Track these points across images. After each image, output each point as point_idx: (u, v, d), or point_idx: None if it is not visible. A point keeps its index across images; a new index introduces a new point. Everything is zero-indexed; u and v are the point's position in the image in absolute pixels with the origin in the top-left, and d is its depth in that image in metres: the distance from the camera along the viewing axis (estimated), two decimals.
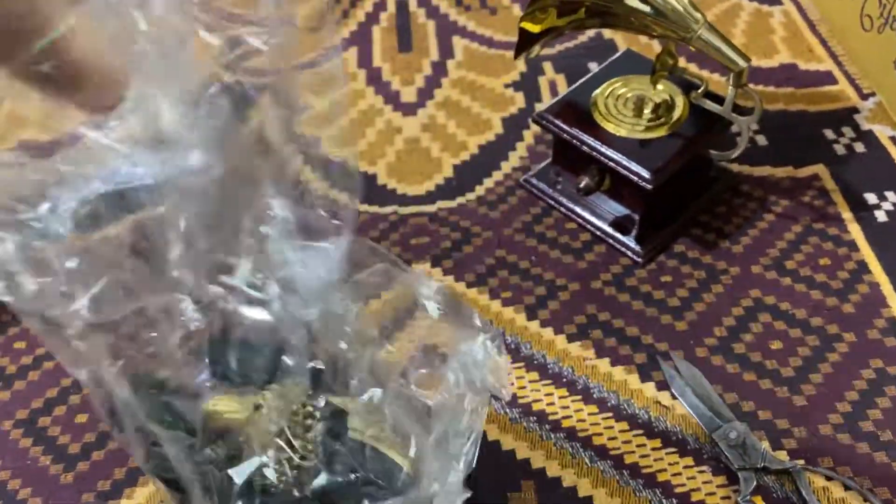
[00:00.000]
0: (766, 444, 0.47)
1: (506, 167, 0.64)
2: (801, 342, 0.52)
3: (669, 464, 0.46)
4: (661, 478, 0.46)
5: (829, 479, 0.45)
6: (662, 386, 0.50)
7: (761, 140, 0.64)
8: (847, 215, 0.58)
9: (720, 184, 0.60)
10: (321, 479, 0.33)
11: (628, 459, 0.47)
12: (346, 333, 0.31)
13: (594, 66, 0.62)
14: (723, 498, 0.45)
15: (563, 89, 0.67)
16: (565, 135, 0.56)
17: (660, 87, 0.57)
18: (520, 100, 0.69)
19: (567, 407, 0.49)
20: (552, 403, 0.50)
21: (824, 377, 0.50)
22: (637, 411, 0.49)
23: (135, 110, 0.25)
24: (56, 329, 0.25)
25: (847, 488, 0.45)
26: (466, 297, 0.55)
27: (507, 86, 0.71)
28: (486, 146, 0.66)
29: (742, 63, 0.51)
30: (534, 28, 0.54)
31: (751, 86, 0.66)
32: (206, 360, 0.29)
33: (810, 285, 0.55)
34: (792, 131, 0.65)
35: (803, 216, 0.59)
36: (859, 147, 0.63)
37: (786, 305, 0.54)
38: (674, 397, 0.49)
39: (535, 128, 0.66)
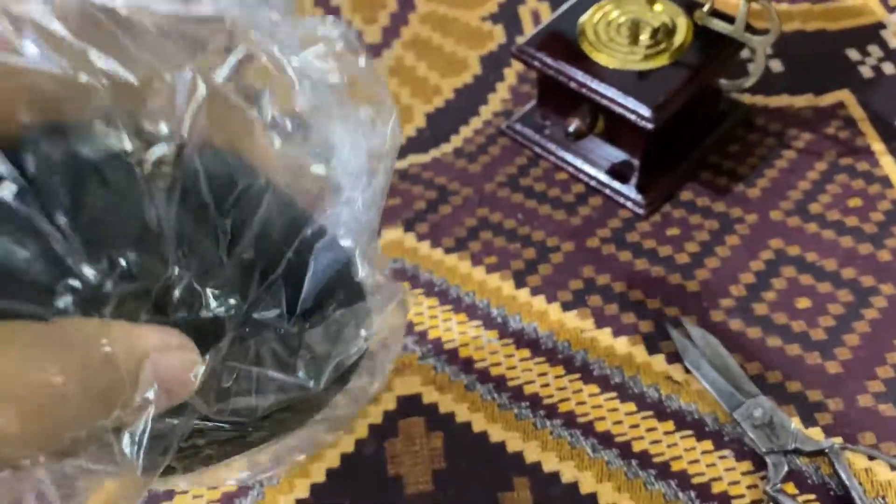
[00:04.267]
0: (796, 421, 0.40)
1: (486, 112, 0.56)
2: (832, 298, 0.45)
3: (685, 450, 0.40)
4: (675, 466, 0.40)
5: (871, 458, 0.39)
6: (673, 358, 0.43)
7: (776, 66, 0.56)
8: (878, 147, 0.51)
9: (732, 118, 0.53)
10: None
11: (637, 447, 0.40)
12: None
13: None
14: (749, 487, 0.39)
15: (547, 19, 0.59)
16: (550, 70, 0.48)
17: (657, 7, 0.49)
18: (499, 34, 0.61)
19: (564, 388, 0.43)
20: (547, 385, 0.43)
21: (861, 338, 0.43)
22: (645, 389, 0.42)
23: None
24: None
25: (894, 468, 0.38)
26: (445, 266, 0.48)
27: (483, 19, 0.62)
28: (462, 90, 0.58)
29: None
30: None
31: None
32: None
33: (839, 231, 0.47)
34: (810, 54, 0.57)
35: (828, 151, 0.51)
36: (888, 68, 0.55)
37: (812, 256, 0.47)
38: (687, 371, 0.43)
39: (518, 65, 0.58)
